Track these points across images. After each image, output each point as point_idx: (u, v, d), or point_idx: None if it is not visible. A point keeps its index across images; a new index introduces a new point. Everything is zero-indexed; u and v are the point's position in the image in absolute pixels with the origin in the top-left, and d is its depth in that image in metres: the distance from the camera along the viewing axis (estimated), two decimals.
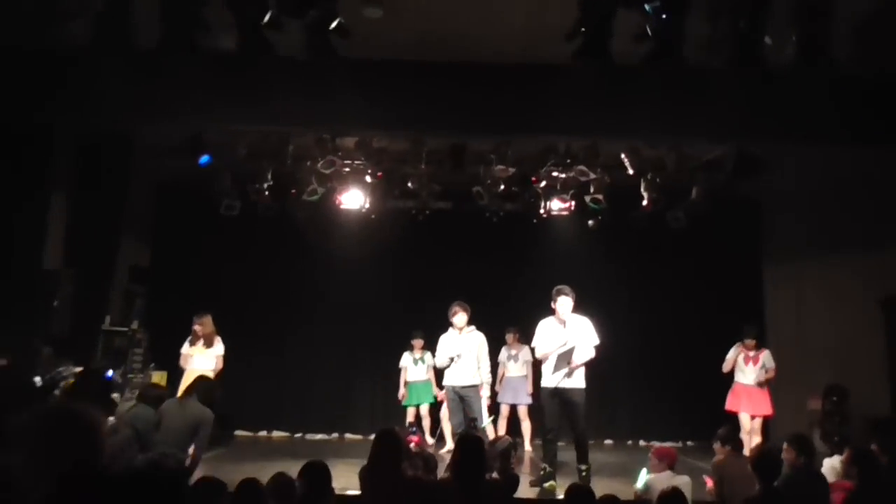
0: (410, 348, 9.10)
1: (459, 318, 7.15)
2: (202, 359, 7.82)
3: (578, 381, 6.59)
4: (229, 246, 9.94)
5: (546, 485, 6.43)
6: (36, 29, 6.32)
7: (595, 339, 6.75)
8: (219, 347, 7.93)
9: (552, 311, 6.78)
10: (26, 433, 1.99)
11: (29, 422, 2.03)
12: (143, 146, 8.28)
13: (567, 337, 6.65)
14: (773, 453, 4.97)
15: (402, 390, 9.10)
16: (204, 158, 7.79)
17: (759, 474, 4.56)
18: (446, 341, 7.27)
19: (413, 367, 9.08)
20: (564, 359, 6.48)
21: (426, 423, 9.13)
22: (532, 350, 7.11)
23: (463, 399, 7.01)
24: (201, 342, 7.86)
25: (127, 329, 8.61)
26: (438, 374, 8.20)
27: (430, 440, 8.71)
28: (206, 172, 8.35)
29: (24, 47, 6.31)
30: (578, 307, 7.02)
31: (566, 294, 6.72)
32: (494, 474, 4.98)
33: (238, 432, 10.01)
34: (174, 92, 6.80)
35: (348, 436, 10.07)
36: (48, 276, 7.30)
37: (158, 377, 8.34)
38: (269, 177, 8.46)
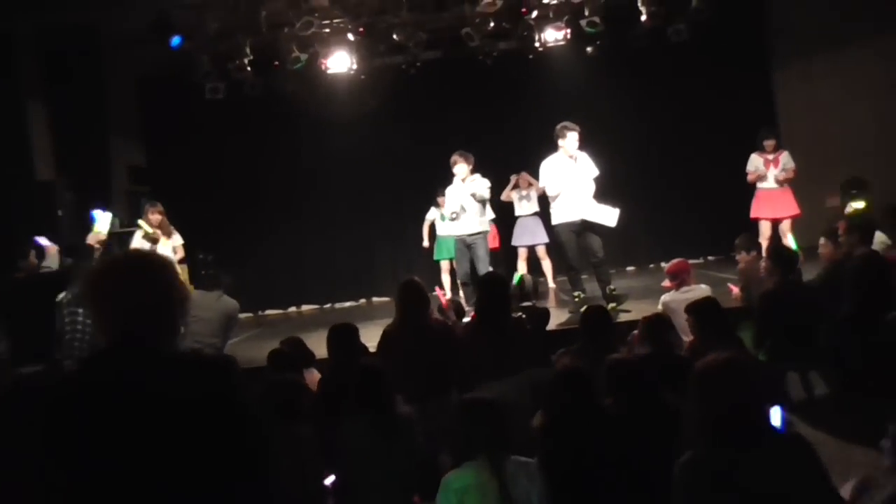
0: (436, 204, 8.92)
1: (459, 167, 6.96)
2: (162, 250, 6.89)
3: (591, 210, 6.56)
4: (222, 131, 9.68)
5: (583, 310, 6.56)
6: None
7: (597, 172, 6.66)
8: (177, 237, 7.24)
9: (556, 149, 6.61)
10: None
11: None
12: (111, 38, 7.87)
13: (580, 172, 6.51)
14: (783, 248, 5.04)
15: (426, 241, 9.08)
16: (175, 40, 7.39)
17: (775, 269, 4.61)
18: (451, 194, 7.17)
19: (441, 223, 8.98)
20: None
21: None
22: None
23: (469, 247, 7.00)
24: (159, 234, 7.01)
25: (135, 229, 8.54)
26: None
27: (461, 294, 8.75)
28: (183, 58, 7.98)
29: None
30: (586, 138, 6.84)
31: (573, 129, 6.53)
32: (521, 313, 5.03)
33: (268, 311, 10.25)
34: None
35: (375, 299, 10.25)
36: (45, 187, 7.18)
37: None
38: (248, 51, 8.06)
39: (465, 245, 7.01)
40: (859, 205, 8.00)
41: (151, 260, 1.68)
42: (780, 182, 7.83)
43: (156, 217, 7.03)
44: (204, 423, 1.44)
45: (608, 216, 6.49)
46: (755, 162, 7.95)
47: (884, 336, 3.51)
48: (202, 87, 8.45)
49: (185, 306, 1.64)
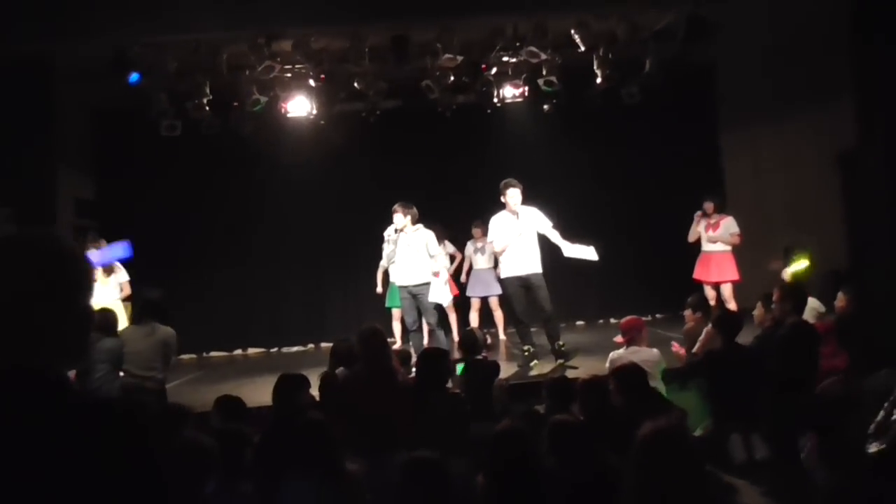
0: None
1: (397, 217, 7.06)
2: (103, 289, 7.00)
3: (538, 265, 6.68)
4: (175, 168, 9.59)
5: (532, 364, 6.72)
6: None
7: (550, 222, 6.82)
8: (122, 273, 7.35)
9: (503, 206, 6.78)
10: None
11: None
12: (65, 70, 7.73)
13: (522, 227, 6.67)
14: (727, 314, 5.16)
15: (379, 288, 9.03)
16: (133, 77, 7.31)
17: (720, 332, 4.71)
18: (388, 237, 7.26)
19: (394, 271, 8.94)
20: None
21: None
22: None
23: (416, 297, 7.01)
24: (100, 270, 7.07)
25: None
26: None
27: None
28: (141, 94, 7.90)
29: None
30: (539, 193, 6.98)
31: (515, 186, 6.75)
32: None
33: (213, 353, 10.01)
34: (90, 6, 6.34)
35: (324, 345, 10.07)
36: None
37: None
38: (208, 91, 8.03)
39: (411, 295, 7.05)
40: (801, 265, 8.26)
41: (24, 241, 1.19)
42: (720, 247, 8.06)
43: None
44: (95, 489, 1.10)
45: (587, 253, 6.66)
46: (697, 225, 8.22)
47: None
48: (158, 123, 8.37)
49: (88, 306, 1.22)
